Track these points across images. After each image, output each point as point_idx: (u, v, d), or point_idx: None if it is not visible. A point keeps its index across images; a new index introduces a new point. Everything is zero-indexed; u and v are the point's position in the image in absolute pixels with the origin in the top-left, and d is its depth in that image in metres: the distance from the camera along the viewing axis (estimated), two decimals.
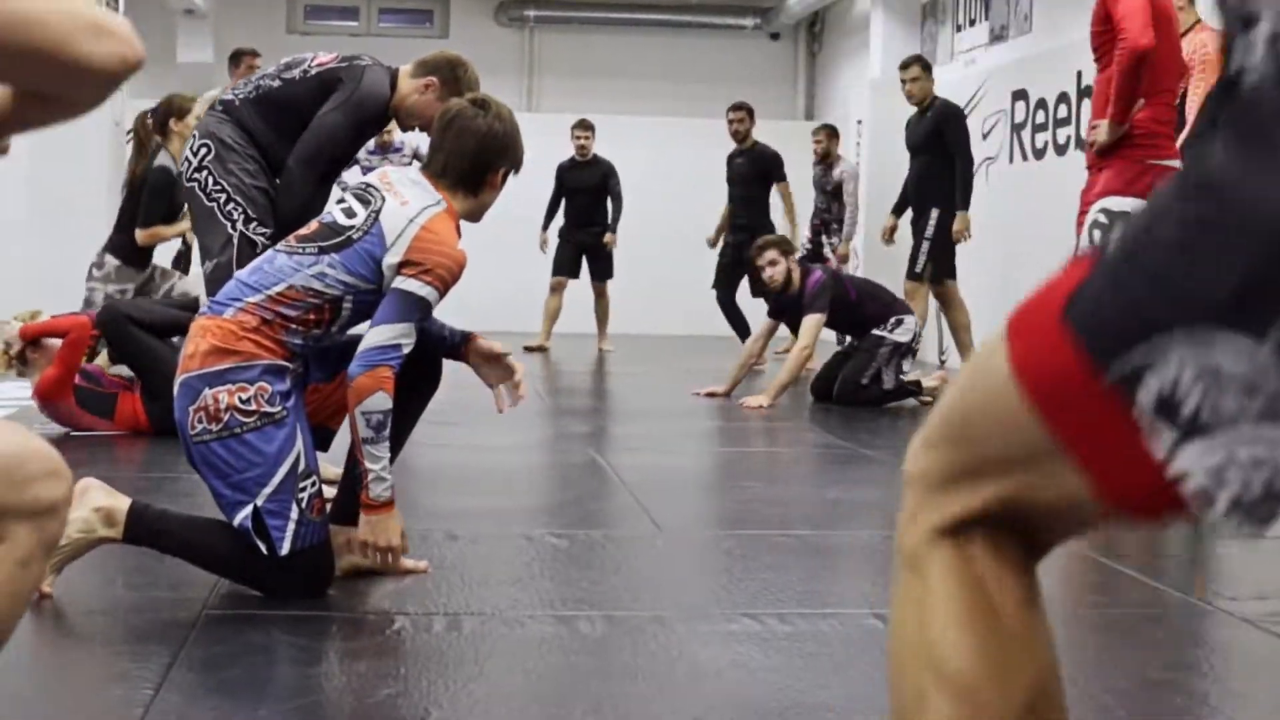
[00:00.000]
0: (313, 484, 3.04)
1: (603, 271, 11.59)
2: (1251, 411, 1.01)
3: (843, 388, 7.69)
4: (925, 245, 8.83)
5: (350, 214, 3.16)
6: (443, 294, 3.08)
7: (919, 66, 8.90)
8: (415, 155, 10.21)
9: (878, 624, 2.96)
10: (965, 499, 1.23)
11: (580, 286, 11.78)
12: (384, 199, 3.16)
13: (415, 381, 3.23)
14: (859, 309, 7.79)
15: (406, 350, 3.02)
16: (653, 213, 13.60)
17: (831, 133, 10.98)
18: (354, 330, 3.21)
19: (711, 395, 7.86)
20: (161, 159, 6.53)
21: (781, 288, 7.81)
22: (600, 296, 11.66)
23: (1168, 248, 1.02)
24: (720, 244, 10.60)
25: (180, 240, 7.46)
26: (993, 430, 1.17)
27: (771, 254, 7.84)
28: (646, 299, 13.60)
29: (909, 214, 9.09)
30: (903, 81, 8.93)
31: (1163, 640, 2.96)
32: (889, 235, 9.34)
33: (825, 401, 7.87)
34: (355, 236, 3.11)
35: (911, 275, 8.84)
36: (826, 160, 10.98)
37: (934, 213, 8.78)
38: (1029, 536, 1.25)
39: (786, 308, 7.92)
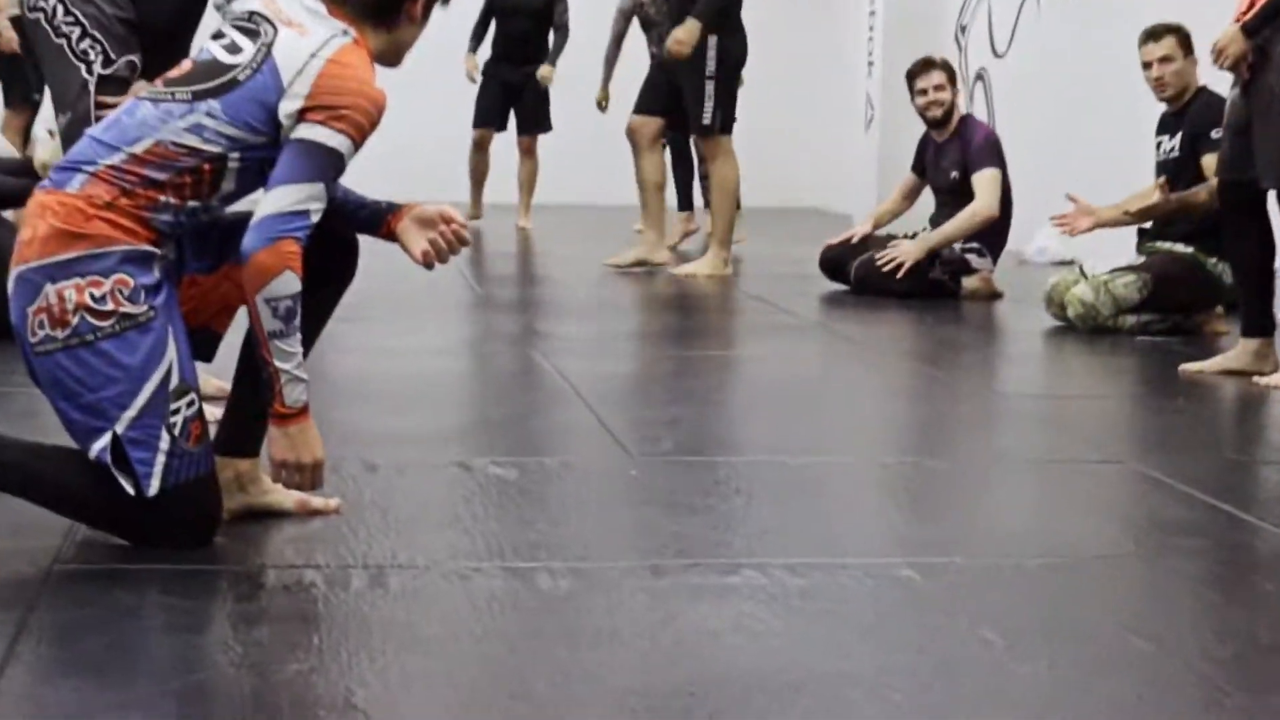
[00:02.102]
0: (190, 404, 3.02)
1: (533, 122, 11.52)
2: None
3: (867, 266, 7.69)
4: (709, 87, 8.32)
5: (234, 49, 3.12)
6: (358, 144, 3.06)
7: None
8: None
9: (913, 575, 2.98)
10: None
11: (503, 143, 11.71)
12: (275, 29, 3.12)
13: (325, 267, 3.19)
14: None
15: (315, 218, 3.00)
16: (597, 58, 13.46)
17: None
18: (244, 205, 3.17)
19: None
20: None
21: (937, 122, 7.93)
22: (527, 155, 11.61)
23: None
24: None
25: None
26: None
27: (938, 76, 7.95)
28: (585, 162, 13.51)
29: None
30: None
31: (1273, 595, 2.99)
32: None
33: (836, 279, 7.89)
34: (241, 77, 3.07)
35: (701, 130, 8.44)
36: None
37: (712, 42, 8.27)
38: None
39: (935, 158, 7.99)
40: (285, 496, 3.31)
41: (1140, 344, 6.37)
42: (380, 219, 3.30)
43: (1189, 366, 5.58)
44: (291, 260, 2.95)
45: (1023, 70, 10.98)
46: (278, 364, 3.00)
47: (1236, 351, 5.46)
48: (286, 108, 3.03)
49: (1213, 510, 3.59)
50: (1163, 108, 6.76)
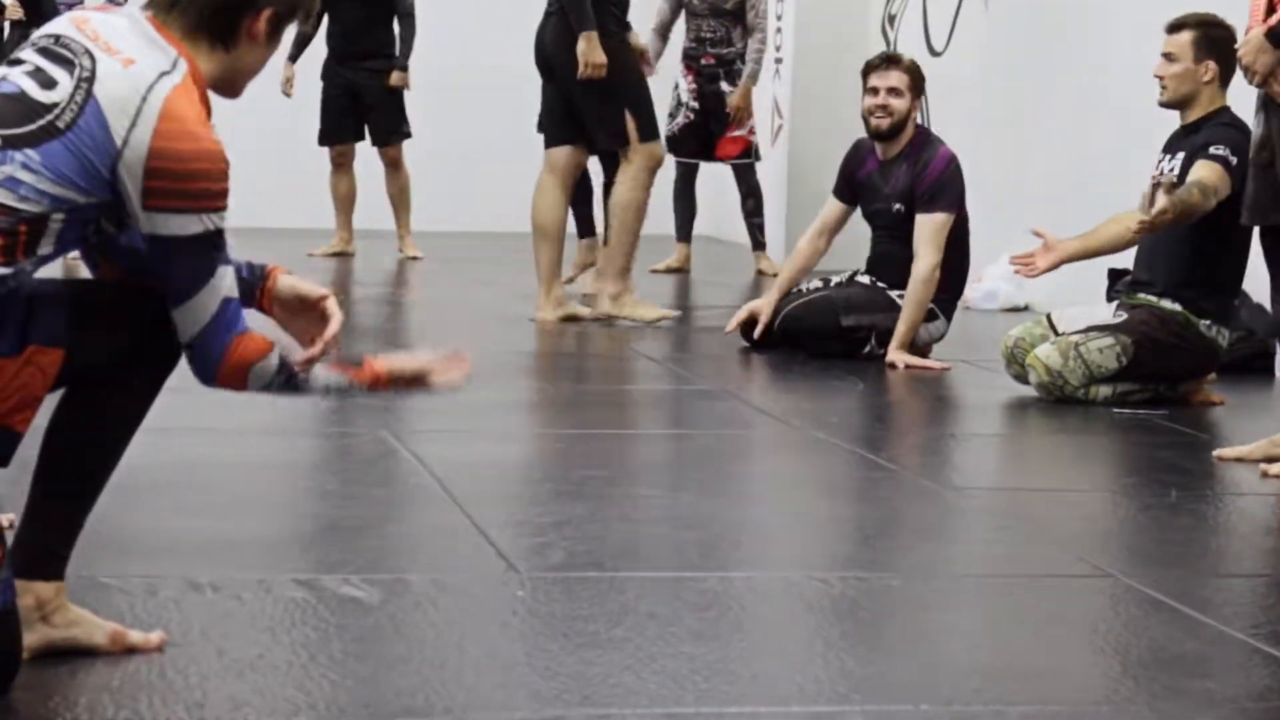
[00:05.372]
0: None
1: (389, 129, 11.62)
2: None
3: (818, 319, 7.71)
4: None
5: (46, 82, 3.10)
6: (225, 207, 3.16)
7: None
8: None
9: None
10: None
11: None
12: (93, 58, 3.11)
13: (139, 353, 3.24)
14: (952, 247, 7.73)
15: (235, 293, 3.21)
16: (469, 54, 13.49)
17: None
18: (48, 268, 3.17)
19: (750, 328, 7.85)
20: None
21: (881, 134, 7.79)
22: (393, 168, 11.73)
23: None
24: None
25: None
26: None
27: (897, 77, 7.76)
28: (458, 182, 13.52)
29: None
30: None
31: None
32: None
33: (757, 342, 7.87)
34: (61, 124, 3.05)
35: None
36: None
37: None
38: None
39: (873, 181, 7.86)
40: (96, 629, 3.29)
41: (1119, 418, 6.45)
42: (249, 291, 3.33)
43: (1225, 452, 5.60)
44: (251, 354, 3.21)
45: (964, 73, 11.11)
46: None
47: None
48: (131, 167, 3.07)
49: (1230, 642, 3.67)
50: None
